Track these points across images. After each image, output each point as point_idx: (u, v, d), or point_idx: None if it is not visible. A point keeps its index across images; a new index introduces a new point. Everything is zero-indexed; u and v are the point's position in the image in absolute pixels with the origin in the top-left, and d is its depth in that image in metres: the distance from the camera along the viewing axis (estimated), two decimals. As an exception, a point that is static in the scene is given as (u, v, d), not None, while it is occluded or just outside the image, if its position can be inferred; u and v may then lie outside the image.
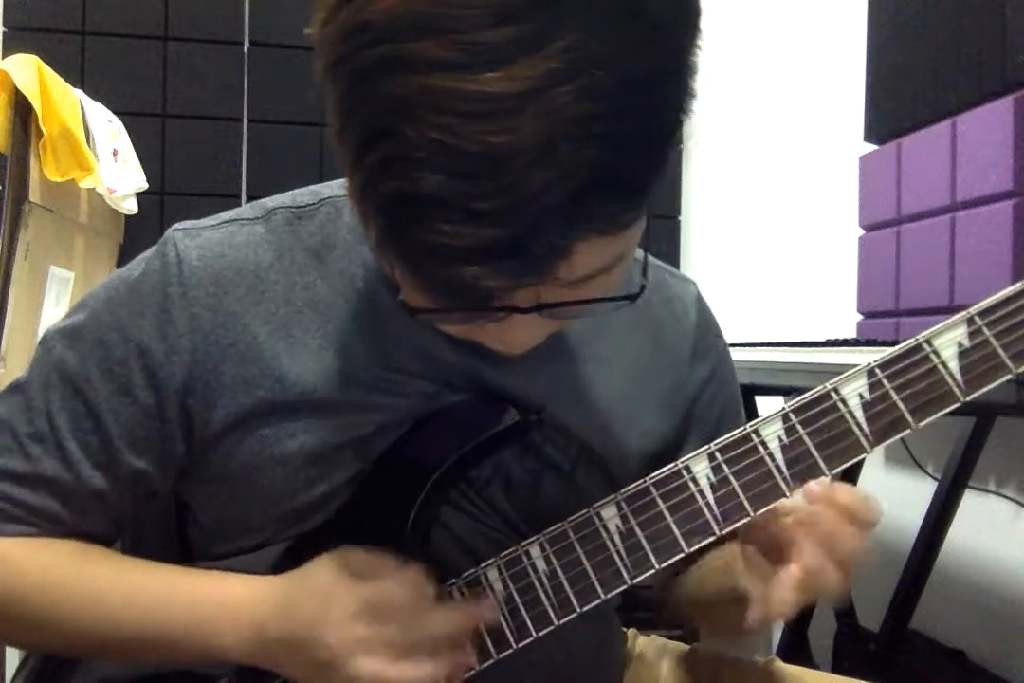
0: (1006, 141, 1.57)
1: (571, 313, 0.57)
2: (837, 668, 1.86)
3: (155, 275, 0.69)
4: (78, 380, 0.69)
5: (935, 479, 1.88)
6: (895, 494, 2.08)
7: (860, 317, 2.07)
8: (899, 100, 1.93)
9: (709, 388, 0.81)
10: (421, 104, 0.46)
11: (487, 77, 0.45)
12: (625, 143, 0.48)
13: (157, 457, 0.70)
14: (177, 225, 0.72)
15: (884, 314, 1.95)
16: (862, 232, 2.07)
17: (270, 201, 0.74)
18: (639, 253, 0.62)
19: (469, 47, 0.45)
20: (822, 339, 1.72)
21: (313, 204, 0.73)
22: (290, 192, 0.75)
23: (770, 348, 1.76)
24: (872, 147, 2.05)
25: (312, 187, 0.76)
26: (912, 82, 1.88)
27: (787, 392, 1.93)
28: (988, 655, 1.81)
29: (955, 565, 1.88)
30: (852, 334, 2.08)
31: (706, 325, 0.82)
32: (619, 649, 0.88)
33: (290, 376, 0.69)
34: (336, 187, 0.75)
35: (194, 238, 0.70)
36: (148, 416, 0.69)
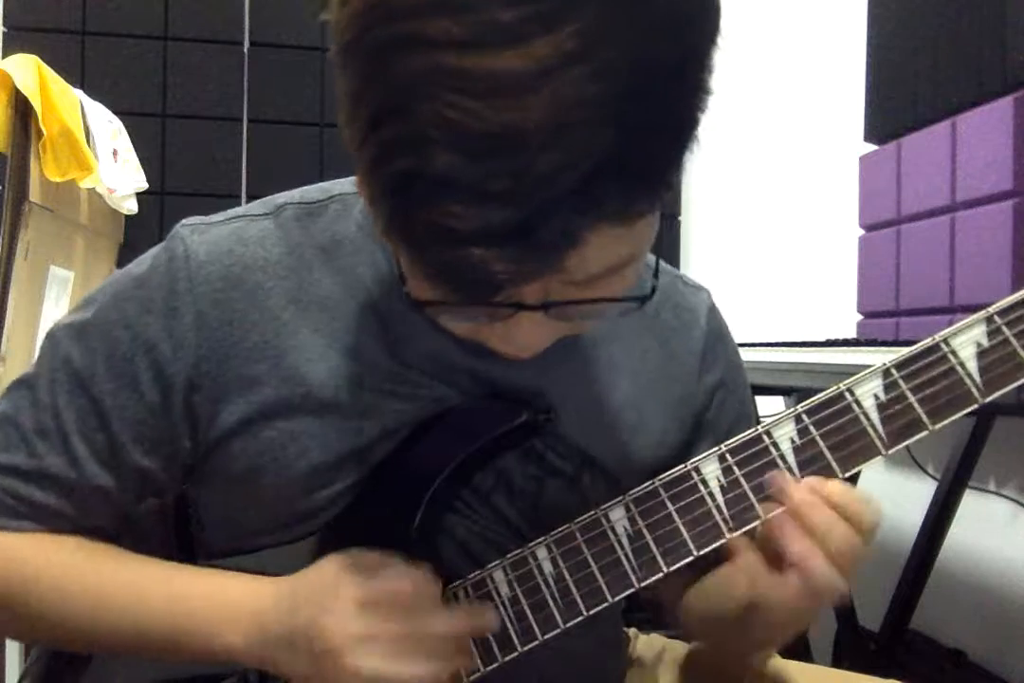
0: (1006, 141, 1.57)
1: (578, 314, 0.56)
2: (837, 668, 1.86)
3: (162, 271, 0.68)
4: (84, 376, 0.68)
5: (935, 479, 1.88)
6: (895, 494, 2.08)
7: (860, 317, 2.07)
8: (899, 100, 1.93)
9: (718, 395, 0.80)
10: (434, 82, 0.45)
11: (502, 56, 0.44)
12: (637, 129, 0.47)
13: (163, 455, 0.69)
14: (185, 221, 0.71)
15: (884, 314, 1.95)
16: (862, 232, 2.07)
17: (279, 197, 0.73)
18: (651, 258, 0.61)
19: (484, 25, 0.45)
20: (822, 339, 1.72)
21: (322, 200, 0.72)
22: (299, 188, 0.74)
23: (770, 348, 1.76)
24: (872, 147, 2.05)
25: (321, 184, 0.74)
26: (912, 82, 1.88)
27: (787, 392, 1.93)
28: (988, 655, 1.81)
29: (955, 565, 1.88)
30: (852, 334, 2.07)
31: (716, 334, 0.81)
32: (622, 651, 0.88)
33: (296, 375, 0.68)
34: (346, 184, 0.74)
35: (202, 234, 0.69)
36: (153, 414, 0.68)
